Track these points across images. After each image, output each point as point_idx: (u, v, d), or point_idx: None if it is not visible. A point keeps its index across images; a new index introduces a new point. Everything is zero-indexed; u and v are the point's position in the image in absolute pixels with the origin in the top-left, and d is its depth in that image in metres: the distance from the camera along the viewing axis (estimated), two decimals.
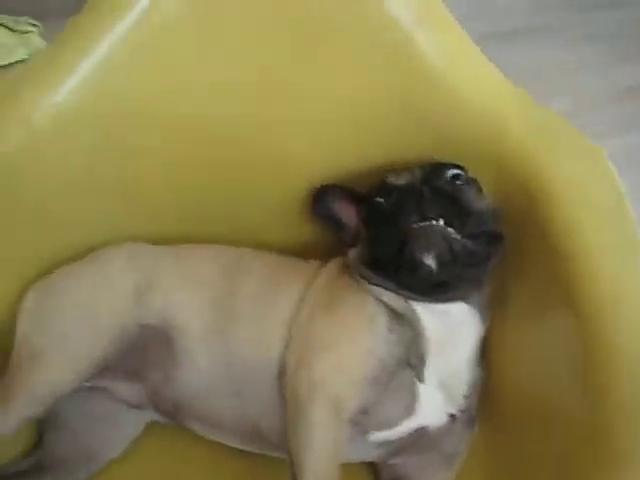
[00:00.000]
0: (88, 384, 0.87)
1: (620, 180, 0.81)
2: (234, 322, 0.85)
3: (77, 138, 0.85)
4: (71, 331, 0.83)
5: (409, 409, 0.80)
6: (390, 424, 0.81)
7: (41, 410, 0.80)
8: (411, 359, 0.79)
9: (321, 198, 0.93)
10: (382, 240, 0.81)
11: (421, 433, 0.81)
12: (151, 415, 0.92)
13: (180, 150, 0.92)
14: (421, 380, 0.80)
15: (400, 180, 0.84)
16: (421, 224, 0.76)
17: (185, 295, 0.87)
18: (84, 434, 0.90)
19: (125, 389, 0.89)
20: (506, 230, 0.84)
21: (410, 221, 0.77)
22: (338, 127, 0.92)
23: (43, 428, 0.90)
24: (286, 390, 0.79)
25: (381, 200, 0.83)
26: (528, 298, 0.86)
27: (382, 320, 0.80)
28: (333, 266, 0.91)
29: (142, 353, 0.86)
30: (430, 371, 0.80)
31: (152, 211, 0.96)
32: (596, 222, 0.78)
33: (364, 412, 0.78)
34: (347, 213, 0.91)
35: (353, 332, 0.79)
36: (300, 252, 0.98)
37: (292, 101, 0.90)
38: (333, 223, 0.93)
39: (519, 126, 0.87)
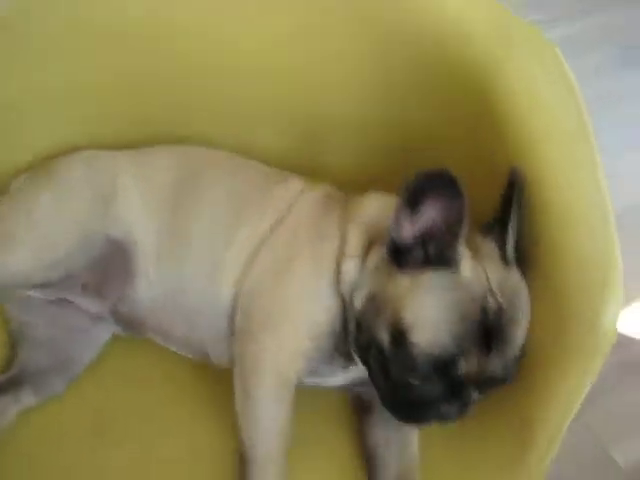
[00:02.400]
0: (53, 296, 0.90)
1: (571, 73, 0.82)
2: (189, 252, 0.86)
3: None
4: (39, 226, 0.86)
5: (345, 370, 0.84)
6: (326, 379, 0.86)
7: (8, 293, 0.87)
8: (341, 349, 0.82)
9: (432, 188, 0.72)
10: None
11: (360, 380, 0.85)
12: (114, 327, 0.94)
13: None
14: (355, 364, 0.83)
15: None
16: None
17: (142, 208, 0.88)
18: (55, 345, 0.91)
19: (88, 303, 0.91)
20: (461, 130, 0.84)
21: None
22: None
23: (17, 346, 0.91)
24: (234, 356, 0.82)
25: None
26: None
27: (325, 309, 0.80)
28: (314, 200, 0.88)
29: (103, 269, 0.88)
30: None
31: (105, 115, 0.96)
32: (548, 114, 0.78)
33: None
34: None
35: (297, 313, 0.81)
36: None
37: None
38: (406, 198, 0.73)
39: (483, 29, 0.86)
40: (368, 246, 0.79)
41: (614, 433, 1.52)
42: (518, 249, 0.76)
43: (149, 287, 0.87)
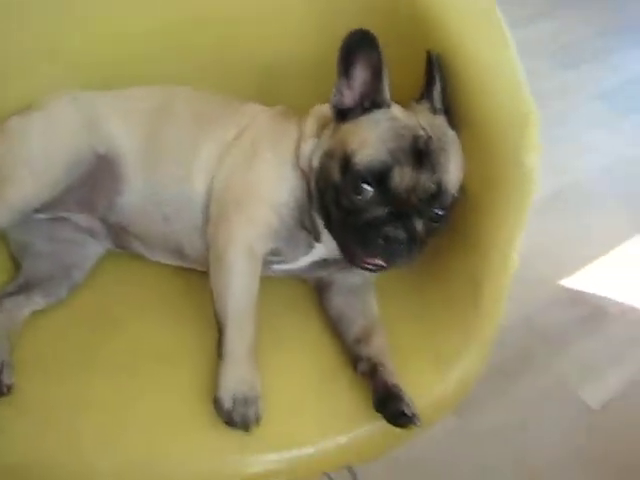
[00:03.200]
0: (51, 215, 1.00)
1: None
2: (164, 158, 0.98)
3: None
4: (36, 156, 0.96)
5: (305, 252, 0.95)
6: (290, 261, 0.96)
7: (15, 218, 0.95)
8: (306, 223, 0.93)
9: (362, 42, 0.86)
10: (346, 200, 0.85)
11: (322, 263, 0.97)
12: (107, 243, 1.04)
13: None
14: (317, 240, 0.94)
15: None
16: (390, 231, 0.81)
17: (124, 129, 1.00)
18: (56, 257, 1.00)
19: (82, 218, 1.01)
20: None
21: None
22: None
23: (21, 258, 1.00)
24: (208, 240, 0.93)
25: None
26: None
27: (288, 187, 0.92)
28: (272, 113, 1.01)
29: (93, 182, 0.98)
30: (326, 235, 0.92)
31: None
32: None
33: (272, 255, 0.93)
34: (361, 78, 0.88)
35: (264, 193, 0.93)
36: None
37: None
38: (342, 68, 0.88)
39: None
40: (321, 129, 0.92)
41: (582, 378, 1.61)
42: (446, 108, 0.89)
43: (132, 193, 0.97)
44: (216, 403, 0.83)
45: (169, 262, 1.02)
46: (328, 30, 1.01)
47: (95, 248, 1.03)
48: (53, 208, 0.99)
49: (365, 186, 0.81)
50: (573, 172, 2.12)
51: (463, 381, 0.91)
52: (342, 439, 0.87)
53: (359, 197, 0.82)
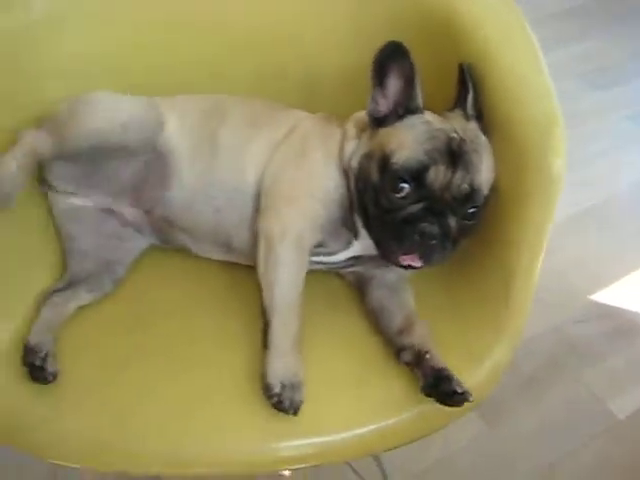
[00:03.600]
0: (101, 205, 1.07)
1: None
2: (217, 153, 1.05)
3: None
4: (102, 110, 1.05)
5: (345, 247, 1.01)
6: (331, 257, 1.02)
7: (85, 146, 1.02)
8: (347, 220, 0.99)
9: (396, 54, 0.93)
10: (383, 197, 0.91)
11: (357, 259, 1.03)
12: (151, 238, 1.10)
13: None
14: (356, 237, 1.00)
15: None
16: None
17: (180, 127, 1.07)
18: (101, 250, 1.06)
19: (128, 212, 1.07)
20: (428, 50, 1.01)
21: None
22: None
23: (68, 254, 1.06)
24: (259, 232, 0.98)
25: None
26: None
27: (335, 184, 0.99)
28: (317, 118, 1.08)
29: (145, 176, 1.05)
30: (363, 233, 0.99)
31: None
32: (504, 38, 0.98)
33: (316, 247, 0.99)
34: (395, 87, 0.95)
35: (314, 188, 0.99)
36: None
37: None
38: (376, 79, 0.95)
39: None
40: (360, 132, 0.99)
41: (611, 390, 1.64)
42: (479, 115, 0.95)
43: (183, 187, 1.04)
44: (265, 389, 0.88)
45: (215, 256, 1.08)
46: (363, 42, 1.08)
47: (139, 243, 1.09)
48: (103, 195, 1.05)
49: (402, 184, 0.87)
50: (608, 188, 2.16)
51: (493, 373, 0.96)
52: (371, 427, 0.92)
53: (397, 195, 0.88)
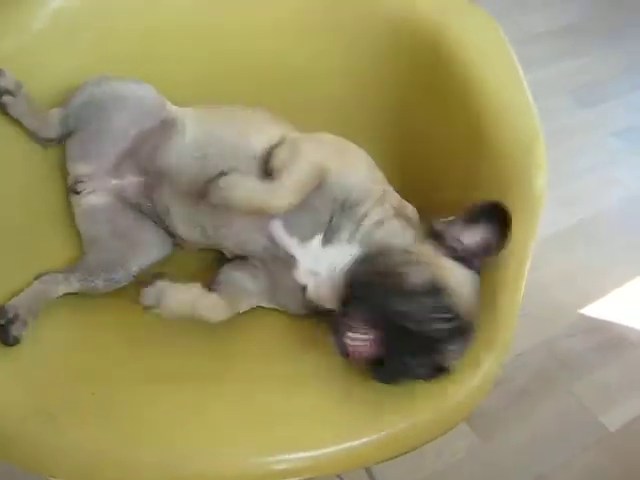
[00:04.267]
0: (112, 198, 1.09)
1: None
2: (223, 117, 1.08)
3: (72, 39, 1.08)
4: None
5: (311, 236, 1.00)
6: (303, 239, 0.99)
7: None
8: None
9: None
10: None
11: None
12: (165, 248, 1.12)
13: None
14: (325, 243, 0.98)
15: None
16: None
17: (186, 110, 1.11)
18: (115, 242, 1.08)
19: (129, 183, 1.08)
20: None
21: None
22: None
23: (84, 247, 1.10)
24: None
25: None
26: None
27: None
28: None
29: (147, 135, 1.07)
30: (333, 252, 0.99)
31: None
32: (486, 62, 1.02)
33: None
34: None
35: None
36: None
37: None
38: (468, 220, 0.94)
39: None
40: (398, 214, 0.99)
41: (601, 403, 1.66)
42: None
43: (182, 138, 1.05)
44: None
45: (193, 235, 1.06)
46: (354, 71, 1.13)
47: (151, 235, 1.10)
48: (110, 163, 1.07)
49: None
50: (596, 204, 2.19)
51: (483, 385, 0.97)
52: (364, 440, 0.92)
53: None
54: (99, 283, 1.05)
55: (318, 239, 0.96)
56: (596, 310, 1.88)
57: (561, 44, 2.82)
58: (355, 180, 0.97)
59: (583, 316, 1.86)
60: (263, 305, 1.04)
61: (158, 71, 1.15)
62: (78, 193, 1.07)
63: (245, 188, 0.92)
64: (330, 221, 0.96)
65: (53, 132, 1.04)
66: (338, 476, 1.38)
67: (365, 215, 0.96)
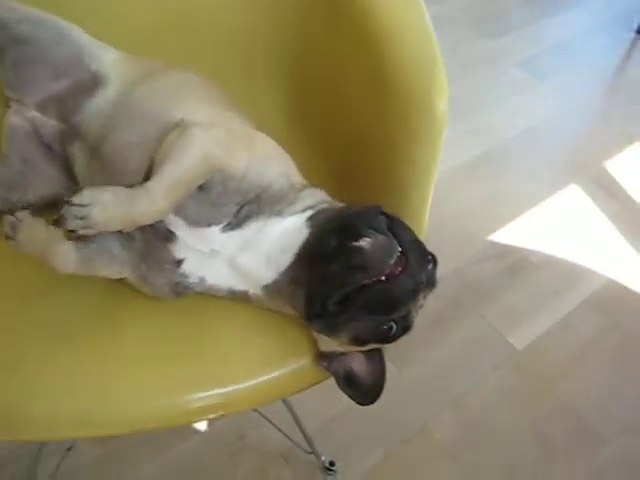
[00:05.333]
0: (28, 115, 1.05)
1: None
2: (148, 78, 1.02)
3: None
4: None
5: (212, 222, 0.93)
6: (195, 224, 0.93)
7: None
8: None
9: None
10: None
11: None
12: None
13: None
14: (232, 228, 0.91)
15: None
16: None
17: (116, 63, 1.05)
18: (20, 165, 1.05)
19: (48, 126, 1.05)
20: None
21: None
22: None
23: None
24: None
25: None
26: None
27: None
28: None
29: (72, 86, 1.02)
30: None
31: None
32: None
33: None
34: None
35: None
36: None
37: None
38: None
39: None
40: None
41: (509, 324, 1.73)
42: None
43: (104, 98, 1.00)
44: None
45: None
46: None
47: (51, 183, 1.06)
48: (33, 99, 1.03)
49: None
50: (498, 134, 2.24)
51: None
52: (275, 374, 0.91)
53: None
54: (13, 196, 1.02)
55: (216, 228, 0.89)
56: (502, 236, 1.95)
57: None
58: (269, 178, 0.89)
59: (490, 243, 1.93)
60: (126, 276, 0.95)
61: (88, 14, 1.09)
62: (8, 107, 1.04)
63: (102, 204, 0.82)
64: (237, 213, 0.89)
65: None
66: (257, 411, 1.39)
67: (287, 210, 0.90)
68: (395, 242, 0.80)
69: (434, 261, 0.86)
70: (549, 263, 1.90)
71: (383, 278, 0.79)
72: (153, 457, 1.42)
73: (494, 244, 1.92)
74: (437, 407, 1.57)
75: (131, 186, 0.84)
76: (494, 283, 1.83)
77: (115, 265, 0.93)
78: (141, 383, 0.89)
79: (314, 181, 0.96)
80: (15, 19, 1.00)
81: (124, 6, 1.11)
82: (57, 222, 0.82)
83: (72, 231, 0.83)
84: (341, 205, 0.93)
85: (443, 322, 1.72)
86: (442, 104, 0.87)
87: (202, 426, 1.48)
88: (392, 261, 0.79)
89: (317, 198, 0.93)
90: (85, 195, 0.82)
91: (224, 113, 1.00)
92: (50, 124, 1.05)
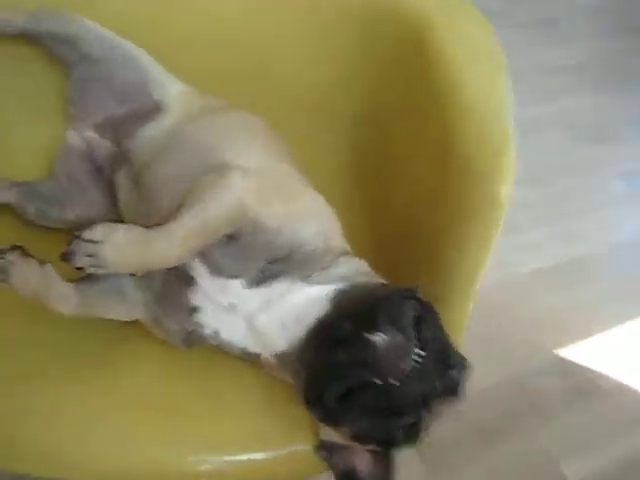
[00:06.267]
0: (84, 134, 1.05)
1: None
2: (205, 118, 0.99)
3: None
4: None
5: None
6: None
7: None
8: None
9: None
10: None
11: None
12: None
13: None
14: (250, 285, 0.85)
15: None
16: None
17: (181, 93, 1.06)
18: (66, 183, 1.06)
19: (102, 147, 1.05)
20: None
21: None
22: None
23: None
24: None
25: None
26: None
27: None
28: None
29: (130, 111, 1.03)
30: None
31: None
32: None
33: None
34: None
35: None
36: None
37: None
38: None
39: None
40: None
41: (565, 451, 1.55)
42: None
43: (157, 130, 0.99)
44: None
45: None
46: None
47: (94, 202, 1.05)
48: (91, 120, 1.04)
49: None
50: (587, 244, 2.09)
51: None
52: (267, 455, 0.84)
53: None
54: (31, 208, 1.03)
55: (238, 282, 0.82)
56: (572, 353, 1.77)
57: (566, 80, 2.74)
58: (303, 236, 0.82)
59: (558, 357, 1.75)
60: (138, 318, 0.90)
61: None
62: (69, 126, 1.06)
63: (115, 242, 0.77)
64: (263, 270, 0.81)
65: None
66: None
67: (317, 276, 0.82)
68: (413, 344, 0.71)
69: (463, 366, 0.76)
70: (621, 392, 1.70)
71: (391, 380, 0.70)
72: None
73: (562, 360, 1.74)
74: None
75: (151, 226, 0.80)
76: (556, 401, 1.64)
77: (124, 307, 0.88)
78: (128, 430, 0.82)
79: (358, 250, 0.88)
80: (90, 38, 1.00)
81: (204, 48, 1.10)
82: (65, 257, 0.77)
83: (80, 269, 0.78)
84: (379, 282, 0.84)
85: (490, 433, 1.55)
86: (505, 188, 0.79)
87: None
88: (405, 365, 0.70)
89: (355, 268, 0.85)
90: (97, 231, 0.78)
91: (278, 165, 0.95)
92: (105, 145, 1.05)
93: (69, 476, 0.85)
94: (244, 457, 0.82)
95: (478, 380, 1.60)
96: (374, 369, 0.70)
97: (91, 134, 1.05)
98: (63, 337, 0.88)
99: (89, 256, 0.76)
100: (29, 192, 1.04)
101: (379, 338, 0.69)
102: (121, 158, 1.02)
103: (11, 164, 1.08)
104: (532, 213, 2.15)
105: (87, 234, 0.77)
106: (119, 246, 0.77)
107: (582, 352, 1.77)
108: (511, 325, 1.78)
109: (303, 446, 0.84)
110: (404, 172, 0.99)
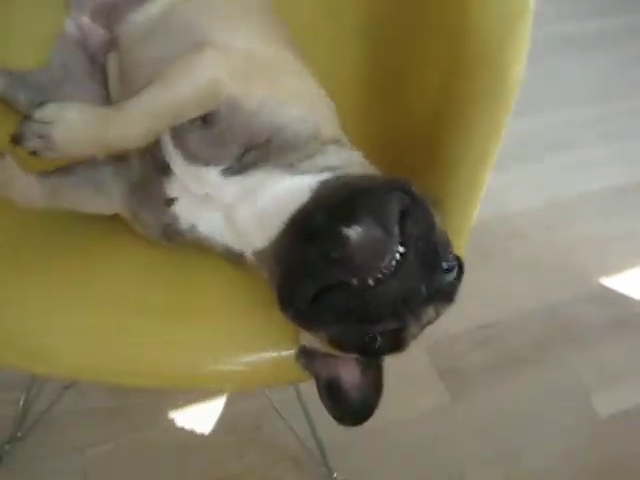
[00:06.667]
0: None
1: None
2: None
3: None
4: None
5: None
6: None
7: None
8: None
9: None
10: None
11: None
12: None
13: None
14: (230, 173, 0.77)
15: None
16: None
17: None
18: (59, 71, 0.99)
19: (95, 34, 0.98)
20: None
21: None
22: None
23: None
24: None
25: None
26: None
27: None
28: None
29: None
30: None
31: None
32: None
33: None
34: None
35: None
36: None
37: None
38: None
39: None
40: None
41: (597, 383, 1.45)
42: None
43: (147, 16, 0.90)
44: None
45: None
46: None
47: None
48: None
49: None
50: None
51: None
52: (248, 361, 0.78)
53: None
54: (21, 96, 0.97)
55: (214, 170, 0.74)
56: (616, 282, 1.65)
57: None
58: (285, 119, 0.74)
59: (600, 285, 1.64)
60: (118, 212, 0.84)
61: None
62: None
63: (67, 122, 0.71)
64: (241, 157, 0.74)
65: None
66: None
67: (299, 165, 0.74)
68: (395, 240, 0.62)
69: (457, 269, 0.67)
70: None
71: (370, 281, 0.62)
72: (156, 424, 1.32)
73: (604, 288, 1.63)
74: (483, 457, 1.34)
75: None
76: (592, 332, 1.54)
77: (102, 199, 0.83)
78: (102, 325, 0.77)
79: (361, 144, 0.79)
80: None
81: None
82: (15, 140, 0.71)
83: (33, 153, 0.71)
84: (371, 173, 0.75)
85: (519, 362, 1.47)
86: (517, 69, 0.67)
87: (219, 406, 1.36)
88: (382, 263, 0.61)
89: (345, 157, 0.76)
90: (48, 110, 0.71)
91: (268, 48, 0.85)
92: (98, 33, 0.98)
93: (45, 370, 0.82)
94: (223, 361, 0.77)
95: (516, 304, 1.53)
96: (347, 267, 0.62)
97: (86, 20, 0.99)
98: (34, 229, 0.83)
99: (40, 137, 0.70)
100: (21, 80, 0.99)
101: (354, 232, 0.61)
102: (112, 45, 0.96)
103: (7, 51, 1.02)
104: (591, 132, 2.00)
105: (38, 114, 0.70)
106: (72, 126, 0.71)
107: (625, 282, 1.65)
108: (551, 247, 1.67)
109: (286, 352, 0.78)
110: (420, 53, 0.87)
